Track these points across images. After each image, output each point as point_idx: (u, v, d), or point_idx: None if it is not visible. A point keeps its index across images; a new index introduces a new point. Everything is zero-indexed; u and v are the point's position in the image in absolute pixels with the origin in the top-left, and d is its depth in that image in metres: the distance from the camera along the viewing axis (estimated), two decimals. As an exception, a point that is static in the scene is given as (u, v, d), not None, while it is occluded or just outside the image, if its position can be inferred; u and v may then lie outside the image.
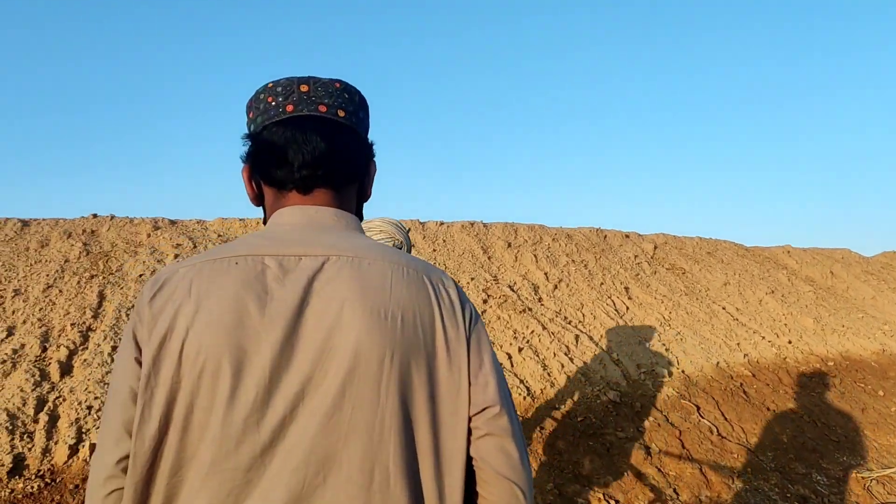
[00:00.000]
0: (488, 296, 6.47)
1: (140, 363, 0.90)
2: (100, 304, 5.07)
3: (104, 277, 5.44)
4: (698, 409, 5.78)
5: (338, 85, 1.04)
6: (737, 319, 8.12)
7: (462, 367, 0.92)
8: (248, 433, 0.84)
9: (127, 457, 0.88)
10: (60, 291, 5.10)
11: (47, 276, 5.25)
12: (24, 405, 3.89)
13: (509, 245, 8.00)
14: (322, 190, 1.03)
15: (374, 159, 1.10)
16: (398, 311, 0.89)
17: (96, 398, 4.05)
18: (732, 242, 11.55)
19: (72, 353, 4.46)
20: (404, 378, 0.88)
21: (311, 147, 0.99)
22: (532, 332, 6.09)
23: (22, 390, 4.01)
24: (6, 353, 4.33)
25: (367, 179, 1.10)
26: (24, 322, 4.68)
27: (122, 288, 5.35)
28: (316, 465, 0.83)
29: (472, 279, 6.73)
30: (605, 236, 9.51)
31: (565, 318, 6.66)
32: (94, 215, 6.49)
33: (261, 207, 1.13)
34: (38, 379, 4.14)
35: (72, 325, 4.71)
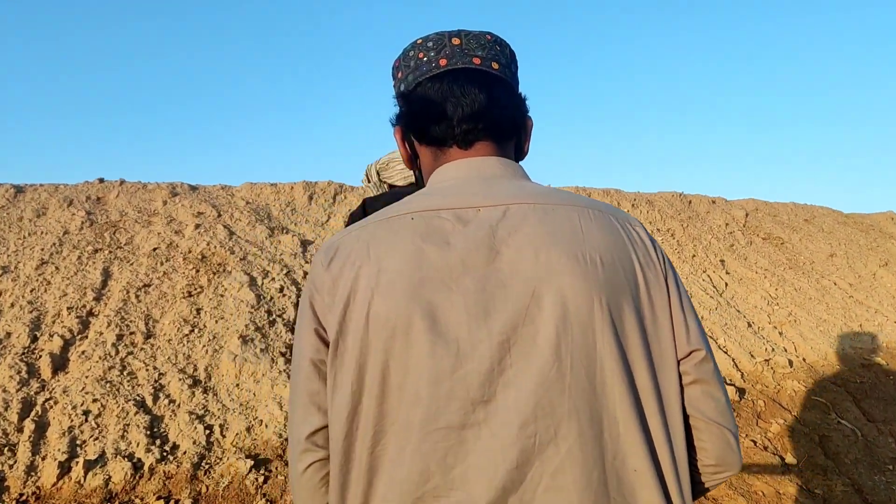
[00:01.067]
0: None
1: (319, 334, 0.91)
2: (104, 284, 4.37)
3: (110, 252, 4.74)
4: (832, 407, 4.84)
5: (489, 37, 1.04)
6: (852, 296, 7.14)
7: (664, 308, 0.91)
8: (456, 389, 0.82)
9: (318, 430, 0.90)
10: (57, 268, 4.42)
11: (42, 250, 4.58)
12: (5, 409, 3.23)
13: (581, 212, 7.11)
14: (483, 143, 1.01)
15: (530, 115, 1.09)
16: (595, 253, 0.88)
17: (95, 400, 3.35)
18: (830, 209, 10.44)
19: (67, 344, 3.78)
20: (616, 322, 0.86)
21: (470, 99, 0.99)
22: (621, 313, 5.21)
23: (4, 390, 3.34)
24: (-13, 344, 3.64)
25: (525, 135, 1.09)
26: (12, 306, 4.01)
27: (131, 264, 4.64)
28: (545, 420, 0.82)
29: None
30: (690, 202, 8.55)
31: (657, 296, 5.76)
32: (101, 180, 5.82)
33: (413, 170, 1.14)
34: (25, 376, 3.46)
35: (69, 309, 4.02)
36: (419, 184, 1.15)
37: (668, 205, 8.10)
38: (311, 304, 0.92)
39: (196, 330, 4.08)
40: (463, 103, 0.98)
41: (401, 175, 2.74)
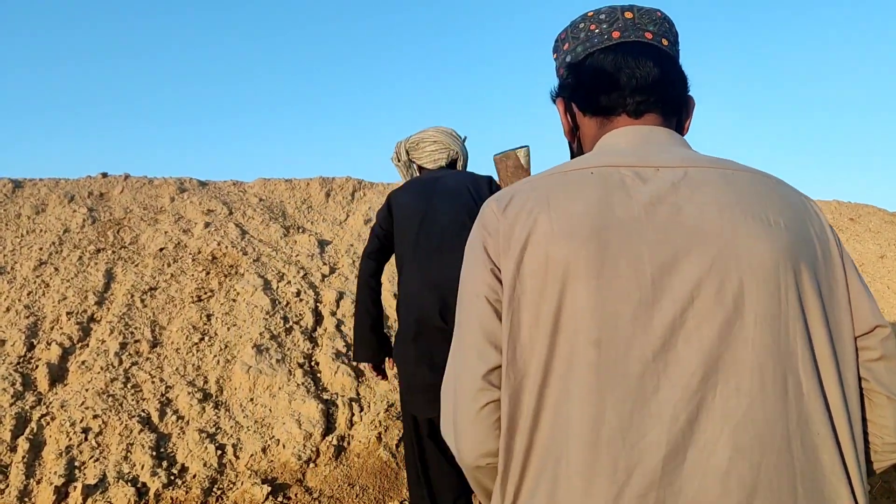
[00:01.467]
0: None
1: (494, 274, 0.93)
2: (107, 287, 4.12)
3: (114, 252, 4.49)
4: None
5: (659, 14, 1.09)
6: (907, 301, 6.75)
7: (840, 283, 0.93)
8: (636, 337, 0.84)
9: (494, 369, 0.91)
10: (56, 270, 4.18)
11: (40, 249, 4.35)
12: (-4, 427, 2.95)
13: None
14: (652, 115, 1.04)
15: (691, 94, 1.12)
16: (779, 218, 0.90)
17: (96, 416, 3.09)
18: (875, 207, 10.04)
19: (66, 353, 3.53)
20: (798, 286, 0.88)
21: (645, 72, 1.02)
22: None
23: (-4, 405, 3.07)
24: (-21, 353, 3.39)
25: (686, 113, 1.12)
26: (7, 310, 3.76)
27: (136, 265, 4.39)
28: (727, 373, 0.84)
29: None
30: (728, 199, 8.19)
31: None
32: (104, 174, 5.59)
33: (570, 142, 1.18)
34: (20, 388, 3.21)
35: (68, 314, 3.77)
36: (573, 156, 1.17)
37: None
38: (484, 248, 0.96)
39: (206, 338, 3.82)
40: (637, 74, 1.02)
41: (430, 157, 2.70)
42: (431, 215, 2.44)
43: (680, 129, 1.10)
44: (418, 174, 2.76)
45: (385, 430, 3.29)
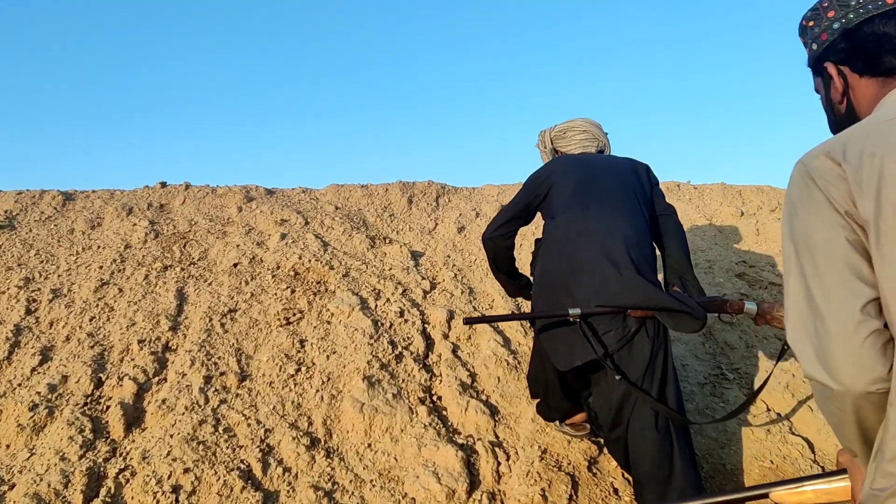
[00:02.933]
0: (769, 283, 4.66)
1: (850, 216, 1.05)
2: (180, 310, 3.66)
3: (183, 269, 4.04)
4: None
5: None
6: None
7: None
8: None
9: (869, 301, 1.03)
10: (120, 291, 3.73)
11: (100, 268, 3.91)
12: (66, 486, 2.49)
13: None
14: None
15: None
16: None
17: (187, 470, 2.58)
18: None
19: (142, 390, 3.04)
20: None
21: None
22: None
23: (63, 457, 2.60)
24: (39, 392, 2.93)
25: None
26: (67, 339, 3.30)
27: (209, 283, 3.92)
28: None
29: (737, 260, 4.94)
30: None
31: None
32: (163, 184, 5.19)
33: (836, 104, 1.33)
34: (90, 436, 2.72)
35: (140, 342, 3.30)
36: (835, 118, 1.35)
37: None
38: (826, 196, 1.07)
39: (303, 369, 3.30)
40: None
41: (580, 145, 2.96)
42: (595, 175, 2.67)
43: None
44: None
45: (549, 486, 2.70)
